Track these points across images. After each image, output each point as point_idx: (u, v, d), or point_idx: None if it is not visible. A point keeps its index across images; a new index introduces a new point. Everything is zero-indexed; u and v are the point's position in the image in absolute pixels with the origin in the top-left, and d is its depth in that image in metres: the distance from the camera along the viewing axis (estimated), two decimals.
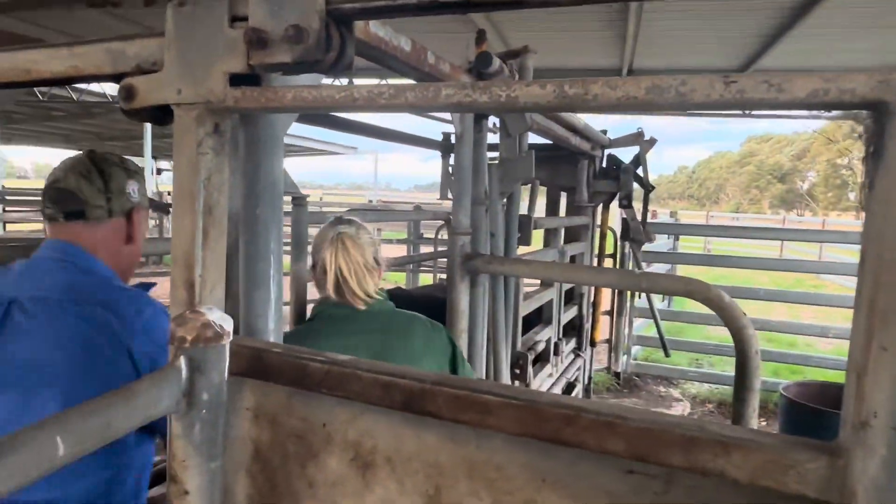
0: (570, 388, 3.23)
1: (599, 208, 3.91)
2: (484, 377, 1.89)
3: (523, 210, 2.24)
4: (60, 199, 1.20)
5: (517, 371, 2.21)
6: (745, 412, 1.39)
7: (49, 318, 1.09)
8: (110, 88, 12.87)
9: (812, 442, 0.58)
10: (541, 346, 2.51)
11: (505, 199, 1.86)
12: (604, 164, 3.81)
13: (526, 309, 2.41)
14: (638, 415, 0.64)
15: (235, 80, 0.82)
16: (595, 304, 3.89)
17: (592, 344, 3.91)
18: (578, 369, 3.61)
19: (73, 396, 1.04)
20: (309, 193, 2.35)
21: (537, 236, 3.88)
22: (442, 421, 0.74)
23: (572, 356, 3.47)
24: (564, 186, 3.92)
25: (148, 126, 12.92)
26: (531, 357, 2.28)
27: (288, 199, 2.41)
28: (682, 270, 12.36)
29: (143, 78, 0.86)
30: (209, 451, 0.74)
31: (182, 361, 0.71)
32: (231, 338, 0.76)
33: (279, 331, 0.99)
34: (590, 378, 3.88)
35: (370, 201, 19.08)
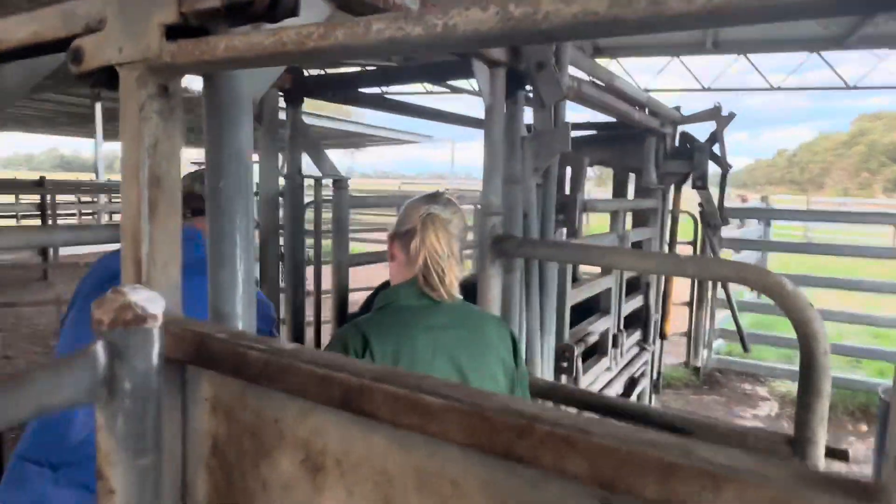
0: (632, 383, 3.01)
1: (671, 191, 3.62)
2: None
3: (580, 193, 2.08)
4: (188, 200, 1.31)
5: (564, 364, 2.05)
6: (809, 421, 1.17)
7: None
8: (196, 84, 13.57)
9: (838, 478, 0.42)
10: (593, 338, 2.32)
11: (541, 177, 1.70)
12: (676, 143, 3.52)
13: (576, 297, 2.24)
14: (605, 429, 0.50)
15: (175, 34, 0.73)
16: (666, 294, 3.61)
17: (662, 337, 3.64)
18: (645, 364, 3.37)
19: None
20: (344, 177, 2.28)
21: (604, 221, 3.65)
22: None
23: (636, 349, 3.23)
24: (632, 167, 3.66)
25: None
26: (580, 350, 2.10)
27: (329, 182, 2.37)
28: (776, 259, 11.50)
29: (90, 38, 0.80)
30: (136, 447, 0.67)
31: (99, 346, 0.64)
32: (160, 321, 0.68)
33: (250, 315, 0.91)
34: (658, 373, 3.62)
35: (446, 189, 19.11)
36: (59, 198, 9.43)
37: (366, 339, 1.25)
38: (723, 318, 6.71)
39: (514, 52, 1.56)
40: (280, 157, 2.38)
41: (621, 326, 2.82)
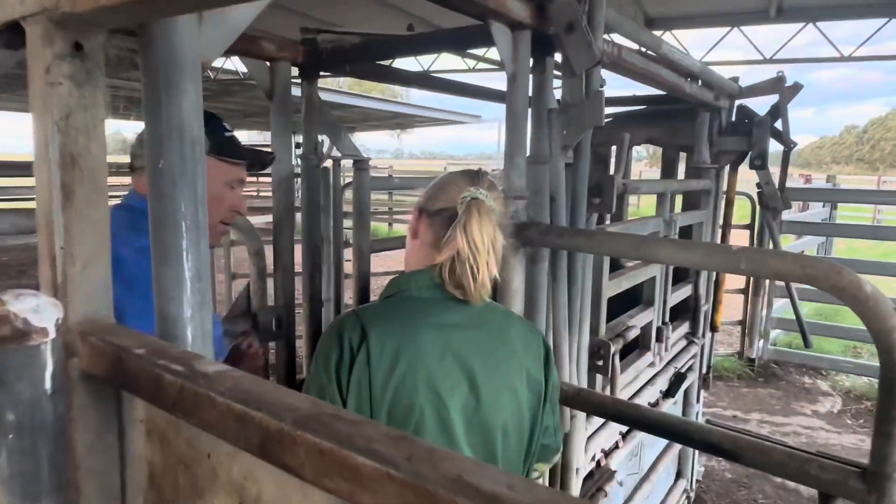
0: (679, 379, 2.78)
1: (726, 170, 3.31)
2: None
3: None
4: None
5: (598, 363, 1.86)
6: (889, 453, 0.96)
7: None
8: (244, 66, 13.67)
9: None
10: (633, 333, 2.12)
11: (571, 156, 1.51)
12: (733, 118, 3.21)
13: (615, 289, 2.03)
14: None
15: None
16: (718, 283, 3.33)
17: (713, 328, 3.37)
18: (693, 357, 3.12)
19: None
20: (365, 158, 2.13)
21: (650, 205, 3.37)
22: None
23: (684, 342, 2.99)
24: (683, 146, 3.38)
25: None
26: (617, 347, 1.91)
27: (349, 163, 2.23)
28: (842, 244, 10.78)
29: None
30: (24, 489, 0.55)
31: None
32: (52, 335, 0.55)
33: (202, 318, 0.77)
34: (708, 367, 3.36)
35: (494, 170, 18.78)
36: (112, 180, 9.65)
37: (364, 332, 1.09)
38: (781, 305, 6.31)
39: (540, 11, 1.36)
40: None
41: (666, 319, 2.59)
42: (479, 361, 1.14)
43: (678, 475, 3.32)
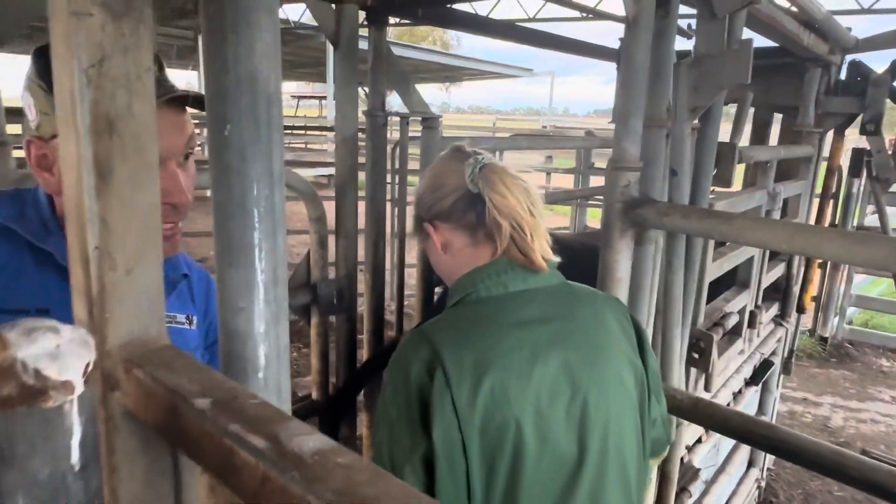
0: (764, 366, 2.54)
1: (830, 135, 2.95)
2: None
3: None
4: None
5: (696, 355, 1.64)
6: None
7: None
8: (294, 14, 13.40)
9: None
10: (732, 321, 1.88)
11: (698, 120, 1.25)
12: (842, 76, 2.83)
13: (716, 272, 1.79)
14: None
15: None
16: (810, 259, 3.02)
17: (801, 310, 3.08)
18: (779, 341, 2.86)
19: None
20: (436, 115, 1.91)
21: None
22: None
23: (772, 326, 2.72)
24: (780, 106, 3.02)
25: (330, 51, 13.29)
26: (717, 336, 1.68)
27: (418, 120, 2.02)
28: None
29: None
30: None
31: None
32: (79, 391, 0.38)
33: (278, 333, 0.60)
34: (791, 352, 3.09)
35: (543, 127, 18.14)
36: None
37: (435, 351, 0.90)
38: (860, 281, 5.87)
39: None
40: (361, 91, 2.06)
41: (759, 302, 2.33)
42: (575, 356, 0.95)
43: (750, 464, 3.11)
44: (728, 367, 2.15)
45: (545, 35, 2.51)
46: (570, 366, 0.94)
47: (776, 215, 2.17)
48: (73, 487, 0.38)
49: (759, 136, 3.18)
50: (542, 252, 1.00)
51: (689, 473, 1.94)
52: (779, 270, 2.67)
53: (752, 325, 2.25)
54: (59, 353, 0.36)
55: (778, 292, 2.77)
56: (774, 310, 2.73)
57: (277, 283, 0.59)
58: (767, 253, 2.31)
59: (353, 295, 1.86)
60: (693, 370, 1.76)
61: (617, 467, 0.97)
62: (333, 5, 1.65)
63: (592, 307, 1.02)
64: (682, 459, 1.94)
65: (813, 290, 3.13)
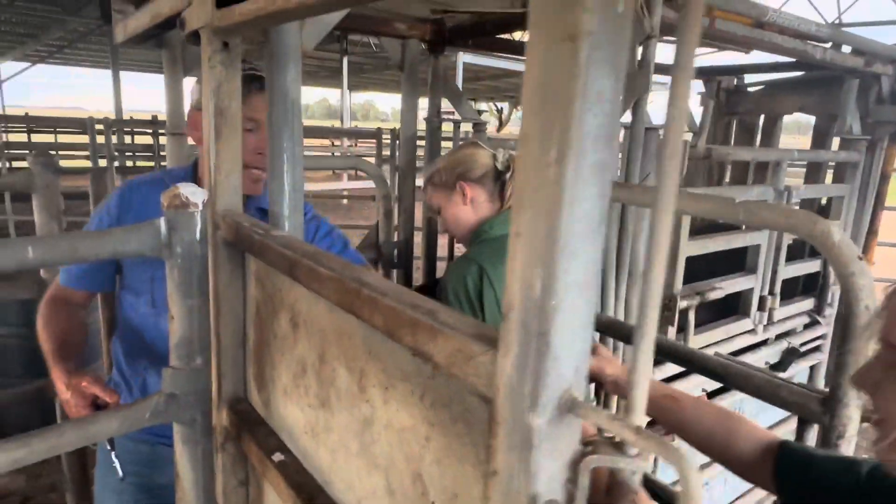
0: (790, 353, 2.75)
1: (885, 143, 3.06)
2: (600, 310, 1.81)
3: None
4: None
5: (667, 312, 2.03)
6: (841, 381, 1.09)
7: None
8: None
9: (492, 333, 0.54)
10: (715, 294, 2.20)
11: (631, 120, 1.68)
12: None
13: (697, 250, 2.14)
14: (393, 292, 0.67)
15: (221, 3, 1.01)
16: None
17: None
18: (821, 338, 3.02)
19: None
20: (483, 122, 2.47)
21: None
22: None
23: (806, 319, 2.90)
24: (837, 115, 3.19)
25: (460, 69, 14.23)
26: (691, 303, 2.04)
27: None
28: None
29: (187, 10, 1.12)
30: (185, 291, 1.00)
31: (161, 220, 0.97)
32: (200, 208, 0.99)
33: (295, 218, 1.20)
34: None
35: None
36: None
37: (481, 268, 1.46)
38: None
39: None
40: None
41: (774, 290, 2.58)
42: None
43: None
44: (733, 340, 2.44)
45: None
46: None
47: None
48: (197, 246, 1.00)
49: (819, 142, 3.34)
50: None
51: None
52: (813, 266, 2.87)
53: (761, 308, 2.52)
54: (194, 193, 0.98)
55: (817, 288, 2.95)
56: (810, 304, 2.91)
57: (297, 189, 1.19)
58: (783, 245, 2.56)
59: (409, 254, 2.46)
60: (671, 330, 2.14)
61: None
62: (400, 40, 2.28)
63: None
64: None
65: None
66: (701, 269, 2.45)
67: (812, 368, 3.16)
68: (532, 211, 0.44)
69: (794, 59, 2.59)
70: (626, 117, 1.69)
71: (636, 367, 0.43)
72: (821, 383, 3.22)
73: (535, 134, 0.43)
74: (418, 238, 2.55)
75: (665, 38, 1.68)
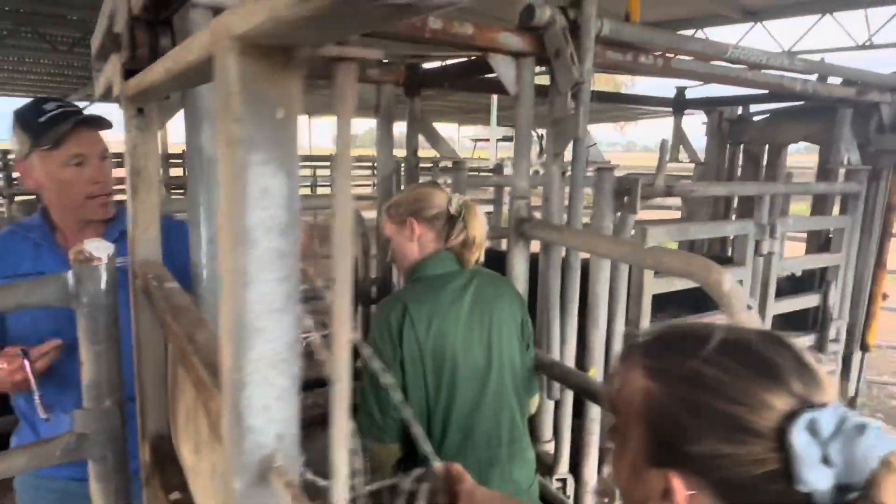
0: None
1: (889, 173, 2.94)
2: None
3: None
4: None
5: None
6: None
7: None
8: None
9: None
10: None
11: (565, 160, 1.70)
12: None
13: (663, 287, 2.11)
14: (204, 350, 0.72)
15: (128, 74, 1.11)
16: (872, 295, 2.98)
17: (864, 348, 3.04)
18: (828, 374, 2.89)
19: None
20: (462, 159, 2.53)
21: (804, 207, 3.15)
22: None
23: None
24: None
25: (494, 99, 14.38)
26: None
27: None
28: None
29: (116, 83, 1.23)
30: (92, 337, 1.09)
31: (70, 273, 1.06)
32: (105, 261, 1.08)
33: (211, 264, 1.27)
34: (852, 400, 3.05)
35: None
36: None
37: (405, 306, 1.52)
38: None
39: (540, 41, 1.62)
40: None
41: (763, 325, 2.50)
42: (485, 307, 1.52)
43: None
44: None
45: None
46: (482, 313, 1.52)
47: (767, 245, 2.38)
48: (102, 295, 1.09)
49: (824, 172, 3.25)
50: (476, 258, 1.59)
51: None
52: (810, 301, 2.77)
53: None
54: (99, 248, 1.07)
55: (816, 324, 2.84)
56: (809, 341, 2.81)
57: (212, 240, 1.27)
58: (770, 281, 2.49)
59: (387, 291, 2.52)
60: None
61: (510, 372, 1.52)
62: (375, 85, 2.37)
63: (496, 282, 1.60)
64: None
65: (876, 327, 3.06)
66: (689, 304, 2.41)
67: None
68: (224, 290, 0.49)
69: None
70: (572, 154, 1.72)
71: (335, 432, 0.46)
72: None
73: (223, 223, 0.48)
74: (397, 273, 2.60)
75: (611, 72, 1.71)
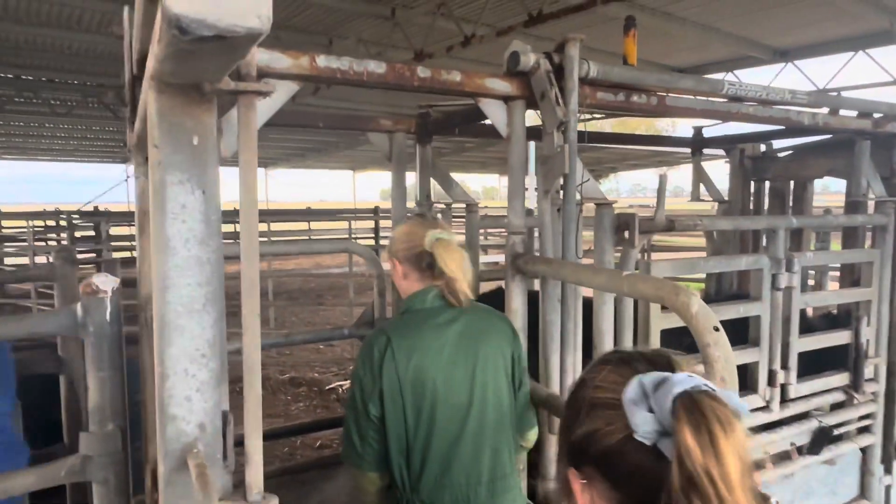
0: (822, 435, 2.52)
1: None
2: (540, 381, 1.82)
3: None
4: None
5: None
6: None
7: None
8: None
9: None
10: (699, 368, 2.10)
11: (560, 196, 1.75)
12: None
13: (670, 322, 2.09)
14: None
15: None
16: None
17: None
18: (868, 417, 2.75)
19: None
20: (475, 202, 2.61)
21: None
22: None
23: (841, 396, 2.66)
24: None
25: (532, 149, 14.60)
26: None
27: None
28: None
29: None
30: (98, 364, 1.18)
31: (78, 305, 1.17)
32: (110, 294, 1.19)
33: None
34: (887, 437, 2.87)
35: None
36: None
37: (388, 338, 1.58)
38: None
39: (528, 84, 1.70)
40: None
41: (788, 363, 2.42)
42: (471, 343, 1.56)
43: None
44: None
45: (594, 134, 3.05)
46: (467, 348, 1.56)
47: (785, 279, 2.34)
48: (108, 324, 1.19)
49: (852, 206, 3.17)
50: (462, 293, 1.62)
51: None
52: (841, 338, 2.66)
53: (771, 384, 2.37)
54: (105, 282, 1.18)
55: (850, 361, 2.72)
56: (843, 380, 2.69)
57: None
58: (793, 316, 2.42)
59: None
60: None
61: (494, 409, 1.54)
62: (388, 134, 2.50)
63: (488, 317, 1.63)
64: None
65: None
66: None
67: (864, 451, 2.87)
68: (153, 293, 0.57)
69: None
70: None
71: (248, 446, 0.51)
72: (878, 468, 2.89)
73: (150, 234, 0.56)
74: None
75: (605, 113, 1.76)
